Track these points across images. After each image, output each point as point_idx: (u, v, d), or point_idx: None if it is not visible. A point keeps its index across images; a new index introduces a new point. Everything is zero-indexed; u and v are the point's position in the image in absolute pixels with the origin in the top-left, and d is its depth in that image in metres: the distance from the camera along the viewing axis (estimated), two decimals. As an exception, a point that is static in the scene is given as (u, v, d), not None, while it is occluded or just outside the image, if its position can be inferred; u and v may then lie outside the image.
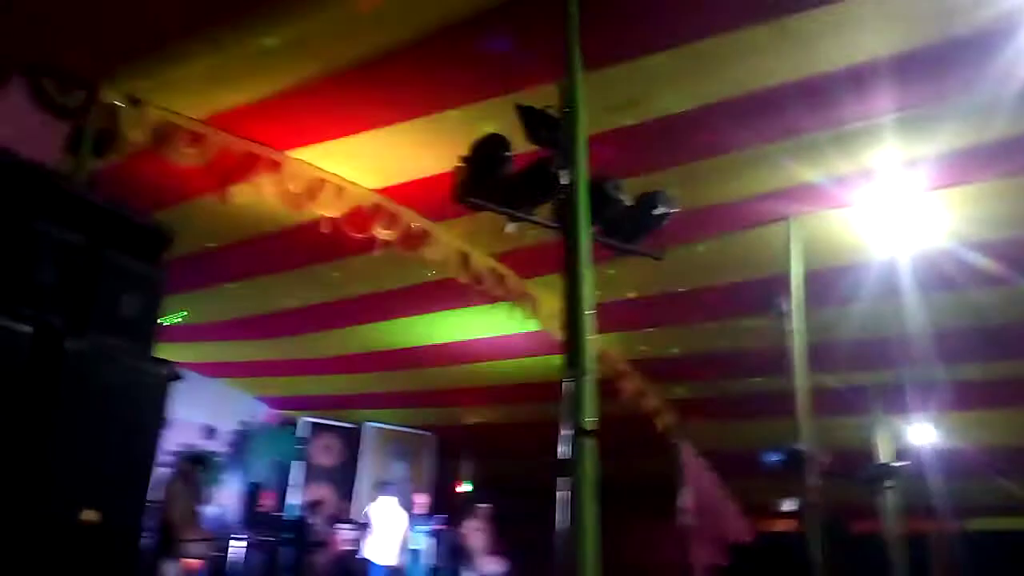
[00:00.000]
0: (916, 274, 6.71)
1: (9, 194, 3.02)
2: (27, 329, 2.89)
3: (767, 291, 6.89)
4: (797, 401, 6.66)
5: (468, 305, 8.16)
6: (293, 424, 13.14)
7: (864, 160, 5.62)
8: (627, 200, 3.98)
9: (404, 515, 10.20)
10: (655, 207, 4.05)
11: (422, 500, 11.15)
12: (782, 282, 6.88)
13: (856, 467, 7.89)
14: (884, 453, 8.26)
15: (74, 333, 3.04)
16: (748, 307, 7.54)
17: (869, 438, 8.36)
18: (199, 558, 9.00)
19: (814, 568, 6.12)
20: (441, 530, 11.00)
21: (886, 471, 7.90)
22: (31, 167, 3.28)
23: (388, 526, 9.80)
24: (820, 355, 7.40)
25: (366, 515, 10.07)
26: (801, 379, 6.72)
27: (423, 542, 10.64)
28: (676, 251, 6.43)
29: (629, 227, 4.12)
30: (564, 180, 3.65)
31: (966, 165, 5.61)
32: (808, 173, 5.80)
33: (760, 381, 9.08)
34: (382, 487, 10.66)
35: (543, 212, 3.99)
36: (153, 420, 3.28)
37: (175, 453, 9.09)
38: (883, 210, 6.20)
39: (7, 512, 2.71)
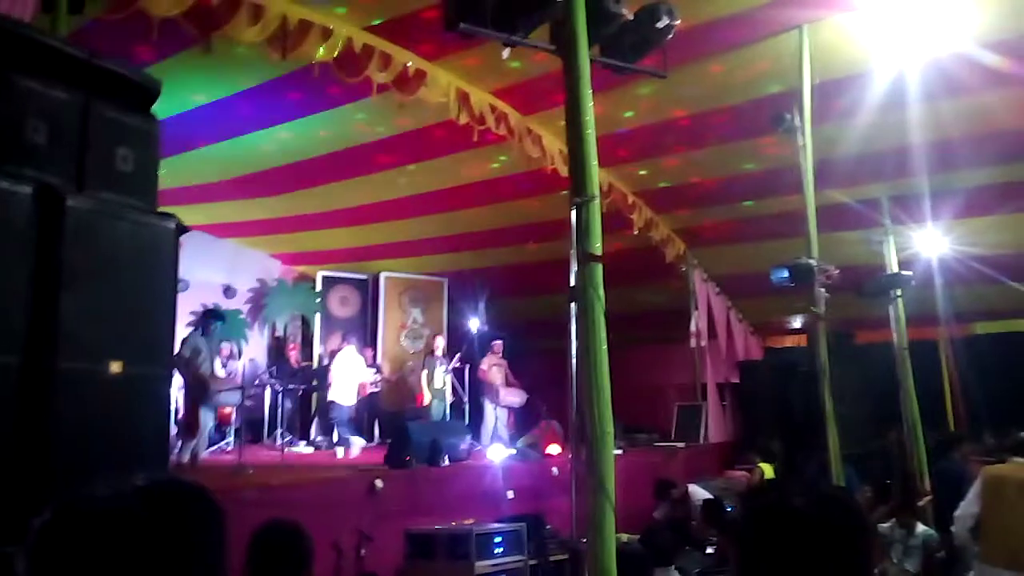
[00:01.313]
0: (926, 81, 6.49)
1: (-13, 53, 2.91)
2: (27, 190, 2.87)
3: (776, 108, 6.72)
4: (806, 218, 6.66)
5: (472, 147, 8.03)
6: (310, 279, 13.37)
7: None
8: (627, 14, 3.79)
9: (361, 360, 10.72)
10: (657, 20, 3.85)
11: (440, 342, 11.50)
12: (791, 98, 6.70)
13: (864, 279, 7.99)
14: (892, 264, 8.34)
15: (74, 191, 3.02)
16: (757, 127, 7.39)
17: (876, 250, 8.41)
18: (231, 406, 9.45)
19: (820, 378, 6.33)
20: (460, 368, 11.42)
21: (893, 281, 8.01)
22: (8, 24, 3.15)
23: (350, 371, 10.26)
24: (829, 170, 7.33)
25: (330, 363, 10.53)
26: (810, 195, 6.68)
27: (446, 381, 11.09)
28: (682, 71, 6.23)
29: (630, 44, 3.94)
30: (559, -3, 3.47)
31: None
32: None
33: (769, 201, 9.05)
34: (345, 336, 11.07)
35: (540, 35, 3.82)
36: (165, 272, 3.32)
37: (195, 312, 9.34)
38: (900, 11, 5.90)
39: (32, 371, 2.80)
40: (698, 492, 8.60)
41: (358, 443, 9.55)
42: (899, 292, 8.05)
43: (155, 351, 3.30)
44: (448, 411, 11.12)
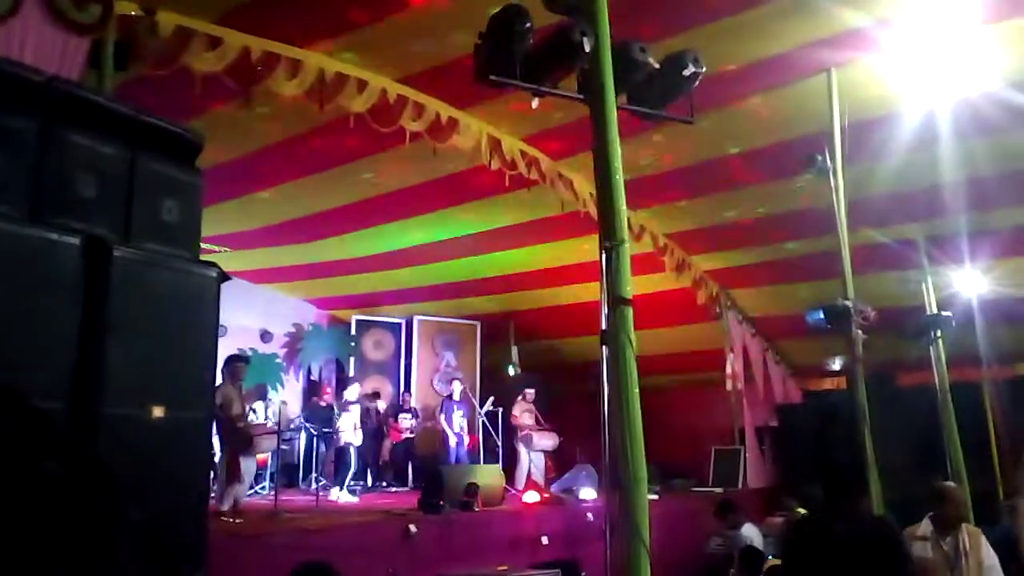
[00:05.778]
0: (958, 120, 6.46)
1: (42, 111, 3.05)
2: (76, 241, 2.99)
3: (806, 150, 6.73)
4: (841, 259, 6.61)
5: (504, 192, 8.14)
6: (344, 323, 13.52)
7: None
8: (653, 63, 3.86)
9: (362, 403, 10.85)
10: (684, 68, 3.91)
11: (457, 387, 11.58)
12: (822, 139, 6.71)
13: (903, 320, 7.88)
14: (931, 304, 8.21)
15: (120, 242, 3.14)
16: (788, 168, 7.40)
17: (916, 291, 8.29)
18: (265, 452, 9.49)
19: (860, 422, 6.22)
20: (493, 412, 11.42)
21: (933, 322, 7.87)
22: (59, 82, 3.31)
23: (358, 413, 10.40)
24: (863, 210, 7.28)
25: (347, 403, 10.56)
26: (843, 236, 6.64)
27: (462, 426, 11.20)
28: (711, 115, 6.29)
29: (657, 92, 4.01)
30: (587, 47, 3.55)
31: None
32: (849, 17, 5.53)
33: (803, 243, 9.00)
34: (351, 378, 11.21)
35: (568, 85, 3.91)
36: (207, 320, 3.41)
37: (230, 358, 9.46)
38: (929, 52, 5.91)
39: (78, 416, 2.88)
40: (751, 531, 8.42)
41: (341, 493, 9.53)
42: (939, 333, 7.91)
43: (196, 396, 3.38)
44: (465, 454, 11.19)
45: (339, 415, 10.26)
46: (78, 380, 2.90)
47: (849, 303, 6.27)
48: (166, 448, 3.20)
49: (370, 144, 7.32)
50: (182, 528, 3.19)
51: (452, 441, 11.12)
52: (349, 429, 10.07)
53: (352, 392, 10.67)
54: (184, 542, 3.18)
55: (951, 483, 5.41)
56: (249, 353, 10.25)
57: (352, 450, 9.98)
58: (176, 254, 3.38)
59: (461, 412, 11.28)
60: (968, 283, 8.75)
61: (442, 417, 11.31)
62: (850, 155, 6.63)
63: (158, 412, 3.12)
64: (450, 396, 11.53)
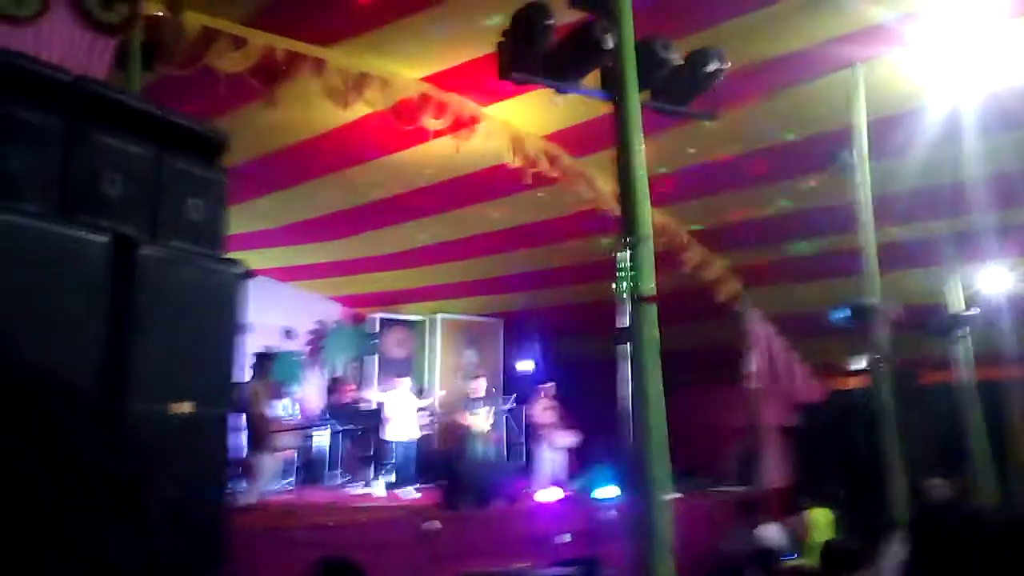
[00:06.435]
0: (985, 115, 6.37)
1: (70, 110, 3.10)
2: (103, 239, 3.03)
3: (830, 146, 6.67)
4: (865, 256, 6.55)
5: (525, 189, 8.14)
6: (365, 320, 13.60)
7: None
8: (677, 60, 3.85)
9: (414, 397, 10.69)
10: (707, 65, 3.90)
11: (494, 383, 11.56)
12: (845, 135, 6.64)
13: (927, 318, 7.78)
14: (955, 302, 8.10)
15: (146, 240, 3.18)
16: (811, 165, 7.33)
17: (940, 288, 8.19)
18: (289, 448, 9.59)
19: (884, 421, 6.17)
20: (513, 410, 11.42)
21: (957, 320, 7.77)
22: (87, 82, 3.35)
23: (405, 408, 10.28)
24: (887, 207, 7.20)
25: (379, 401, 10.52)
26: (868, 233, 6.58)
27: (497, 423, 11.14)
28: (734, 112, 6.25)
29: (680, 89, 4.00)
30: (609, 44, 3.55)
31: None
32: (875, 12, 5.46)
33: (826, 240, 8.92)
34: (398, 373, 11.12)
35: (590, 81, 3.91)
36: (230, 317, 3.45)
37: (254, 355, 9.55)
38: (955, 47, 5.83)
39: (103, 410, 2.92)
40: (772, 531, 8.38)
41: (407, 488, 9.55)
42: (964, 331, 7.81)
43: (219, 393, 3.42)
44: (492, 452, 11.16)
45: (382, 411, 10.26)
46: (104, 377, 2.94)
47: (874, 301, 6.21)
48: (190, 444, 3.23)
49: (393, 143, 7.36)
50: (205, 524, 3.22)
51: (476, 439, 11.08)
52: (401, 424, 10.07)
53: (405, 386, 10.61)
54: (208, 537, 3.22)
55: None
56: (275, 350, 10.36)
57: (397, 446, 9.98)
58: (202, 252, 3.42)
59: (485, 409, 11.26)
60: (993, 281, 8.63)
61: (467, 415, 11.29)
62: (875, 151, 6.56)
63: (182, 408, 3.16)
64: (473, 393, 11.53)
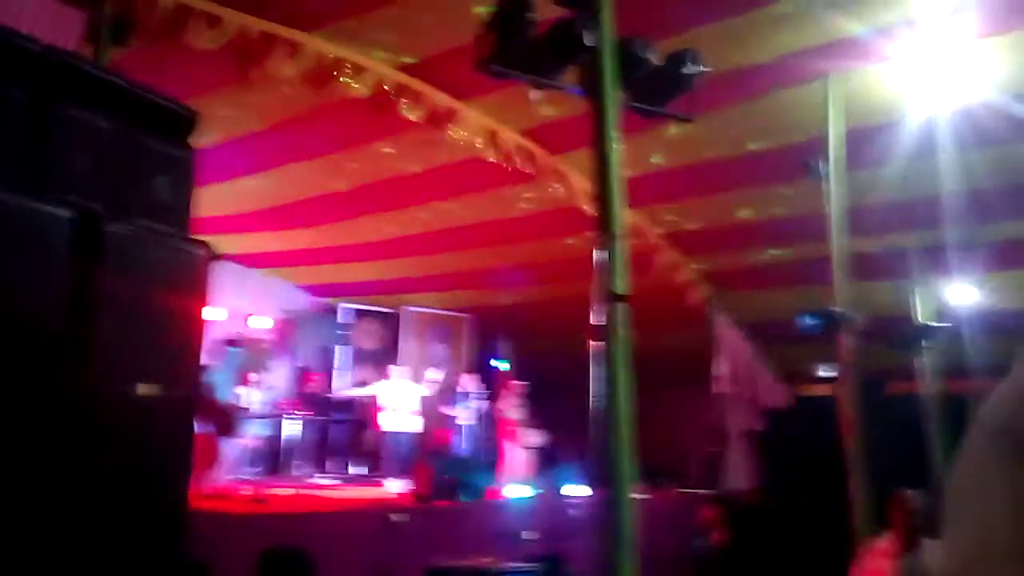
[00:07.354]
0: (956, 130, 6.46)
1: (37, 81, 3.01)
2: (67, 214, 2.94)
3: (803, 155, 6.72)
4: (835, 265, 6.61)
5: (499, 184, 8.12)
6: (334, 311, 13.47)
7: (908, 8, 5.32)
8: (655, 60, 3.84)
9: (414, 386, 10.64)
10: (684, 66, 3.90)
11: (463, 379, 11.52)
12: (819, 145, 6.70)
13: (894, 330, 7.88)
14: (923, 315, 8.22)
15: (112, 217, 3.09)
16: (784, 173, 7.39)
17: (908, 301, 8.30)
18: (254, 436, 9.48)
19: (850, 430, 6.23)
20: (481, 407, 11.41)
21: (924, 332, 7.88)
22: (56, 53, 3.26)
23: (398, 397, 10.18)
24: (858, 218, 7.28)
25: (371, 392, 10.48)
26: (839, 243, 6.64)
27: (466, 419, 11.09)
28: (709, 117, 6.27)
29: (658, 89, 3.99)
30: (589, 41, 3.53)
31: (1021, 7, 5.29)
32: (848, 25, 5.53)
33: (797, 248, 9.01)
34: (377, 362, 11.11)
35: (569, 78, 3.88)
36: (196, 298, 3.37)
37: (218, 341, 9.42)
38: (926, 63, 5.91)
39: (66, 389, 2.84)
40: None
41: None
42: (929, 344, 7.92)
43: (182, 375, 3.34)
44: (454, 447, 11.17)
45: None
46: (67, 354, 2.86)
47: (842, 310, 6.27)
48: (150, 425, 3.16)
49: (367, 132, 7.28)
50: (163, 507, 3.15)
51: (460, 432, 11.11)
52: (395, 414, 9.95)
53: (397, 375, 10.47)
54: (166, 521, 3.15)
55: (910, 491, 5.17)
56: (238, 336, 10.23)
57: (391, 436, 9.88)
58: (167, 231, 3.34)
59: (450, 405, 11.26)
60: (960, 295, 8.77)
61: (452, 408, 11.28)
62: (848, 162, 6.63)
63: (143, 389, 3.08)
64: (438, 388, 11.50)
